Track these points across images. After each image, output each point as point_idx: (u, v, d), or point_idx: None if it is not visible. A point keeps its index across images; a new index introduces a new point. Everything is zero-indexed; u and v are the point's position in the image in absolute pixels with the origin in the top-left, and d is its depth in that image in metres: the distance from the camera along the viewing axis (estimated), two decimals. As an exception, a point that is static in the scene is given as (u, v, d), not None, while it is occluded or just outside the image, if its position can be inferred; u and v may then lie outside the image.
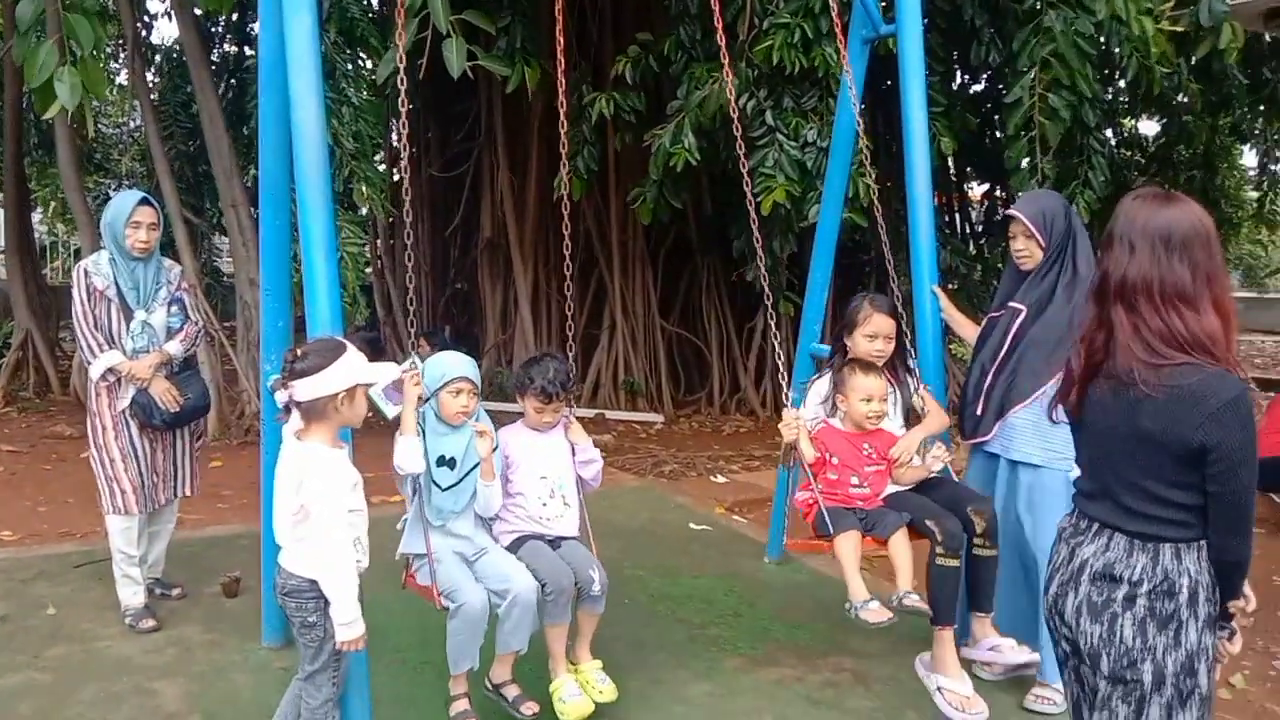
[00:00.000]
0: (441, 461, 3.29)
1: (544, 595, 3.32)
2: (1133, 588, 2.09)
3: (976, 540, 3.51)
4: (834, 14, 4.45)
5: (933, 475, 3.70)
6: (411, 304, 3.42)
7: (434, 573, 3.25)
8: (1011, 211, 3.77)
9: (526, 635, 3.34)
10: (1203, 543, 2.09)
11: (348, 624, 2.71)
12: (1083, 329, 2.21)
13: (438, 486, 3.29)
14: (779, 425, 3.65)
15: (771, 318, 3.82)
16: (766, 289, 3.97)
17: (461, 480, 3.33)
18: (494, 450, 3.38)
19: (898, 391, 3.75)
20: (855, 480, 3.59)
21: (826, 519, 3.47)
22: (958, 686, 3.48)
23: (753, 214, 3.98)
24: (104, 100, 4.84)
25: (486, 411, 3.51)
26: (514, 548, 3.45)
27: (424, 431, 3.22)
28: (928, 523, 3.48)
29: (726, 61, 4.20)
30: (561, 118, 3.95)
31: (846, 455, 3.59)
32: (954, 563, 3.44)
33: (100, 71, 4.97)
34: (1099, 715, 2.18)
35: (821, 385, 3.80)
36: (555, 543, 3.51)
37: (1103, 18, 6.17)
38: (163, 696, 3.55)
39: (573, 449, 3.62)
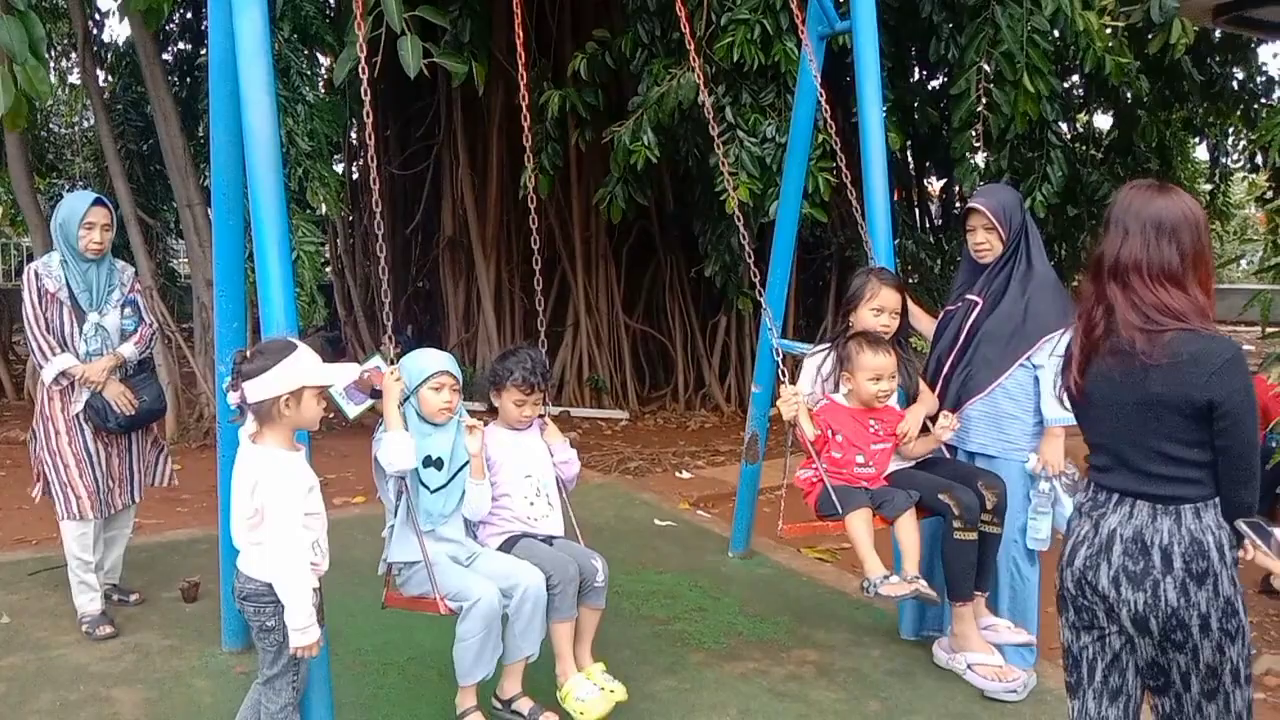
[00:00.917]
0: (428, 462, 3.16)
1: (550, 588, 3.19)
2: (1166, 554, 2.22)
3: (984, 516, 3.50)
4: (794, 9, 4.47)
5: (931, 454, 3.70)
6: (387, 296, 3.30)
7: (434, 578, 3.07)
8: (973, 203, 3.81)
9: (539, 637, 3.21)
10: (1217, 499, 2.25)
11: (302, 630, 2.67)
12: (1081, 306, 2.37)
13: (426, 488, 3.17)
14: (778, 403, 3.54)
15: (769, 316, 3.85)
16: (759, 295, 3.94)
17: (450, 481, 3.21)
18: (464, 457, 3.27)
19: (902, 370, 3.63)
20: (861, 459, 3.51)
21: (834, 498, 3.41)
22: (988, 659, 3.52)
23: (740, 213, 4.00)
24: (44, 101, 4.66)
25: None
26: (505, 548, 3.35)
27: (411, 429, 3.11)
28: (941, 497, 3.46)
29: (693, 50, 4.20)
30: (524, 113, 3.94)
31: (852, 432, 3.50)
32: (971, 536, 3.43)
33: (39, 73, 4.82)
34: (1157, 665, 2.32)
35: (820, 360, 3.70)
36: (546, 541, 3.43)
37: (1048, 13, 6.26)
38: (120, 704, 3.50)
39: (550, 450, 3.55)
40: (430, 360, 3.21)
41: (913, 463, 3.69)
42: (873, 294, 3.63)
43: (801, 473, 3.61)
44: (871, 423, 3.52)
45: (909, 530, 3.44)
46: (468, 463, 3.27)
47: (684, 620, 4.37)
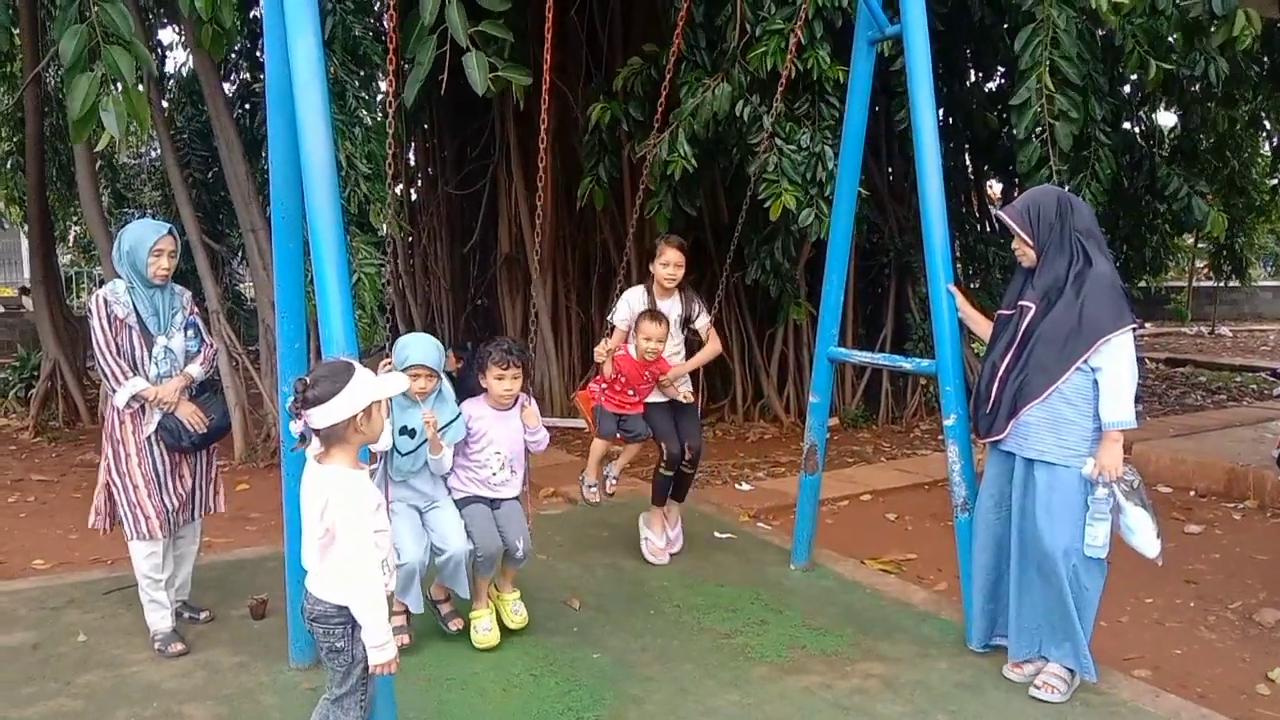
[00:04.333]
0: (404, 431, 3.94)
1: (475, 556, 4.07)
2: None
3: (684, 464, 5.18)
4: (798, 27, 4.50)
5: (682, 401, 5.19)
6: (388, 312, 3.46)
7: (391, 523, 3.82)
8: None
9: (463, 585, 4.09)
10: None
11: (380, 646, 2.69)
12: None
13: (398, 452, 3.95)
14: (595, 349, 5.11)
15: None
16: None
17: (418, 448, 4.01)
18: (439, 431, 3.98)
19: (683, 305, 5.20)
20: (632, 392, 5.03)
21: (599, 417, 5.04)
22: (656, 540, 5.30)
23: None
24: (146, 128, 4.91)
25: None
26: (461, 504, 4.18)
27: (393, 403, 3.77)
28: (660, 442, 5.10)
29: (673, 56, 4.30)
30: (542, 132, 4.07)
31: (632, 376, 5.00)
32: (668, 473, 5.16)
33: (144, 99, 5.03)
34: None
35: (633, 296, 5.14)
36: (497, 504, 4.23)
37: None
38: (192, 720, 3.57)
39: (525, 427, 4.28)
40: (412, 351, 3.94)
41: (668, 400, 5.16)
42: (661, 253, 5.09)
43: (594, 386, 5.13)
44: (646, 372, 5.00)
45: (633, 449, 5.29)
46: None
47: (746, 633, 4.34)
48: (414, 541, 3.98)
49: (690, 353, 5.32)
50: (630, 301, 5.13)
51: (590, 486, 5.23)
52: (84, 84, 4.85)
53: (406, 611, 4.12)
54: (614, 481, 5.37)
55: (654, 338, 4.90)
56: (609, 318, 5.21)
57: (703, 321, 5.26)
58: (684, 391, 5.21)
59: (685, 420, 5.24)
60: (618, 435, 5.10)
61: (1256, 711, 3.73)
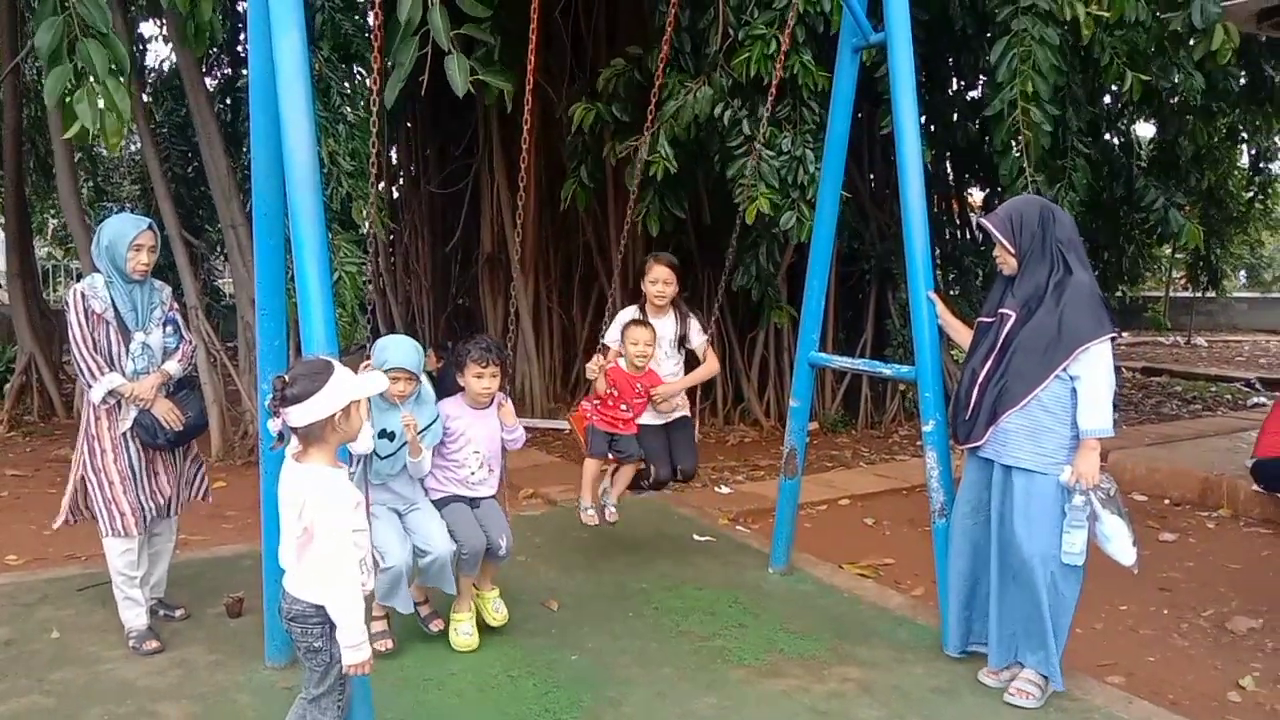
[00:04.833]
0: (383, 434, 3.91)
1: (460, 555, 4.06)
2: None
3: (674, 482, 5.13)
4: (785, 34, 4.52)
5: (676, 416, 5.12)
6: (368, 306, 3.46)
7: (371, 526, 3.68)
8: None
9: (449, 583, 4.09)
10: None
11: (355, 646, 2.68)
12: None
13: (377, 455, 3.91)
14: (587, 366, 4.87)
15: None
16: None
17: (398, 451, 3.98)
18: (419, 433, 3.97)
19: (678, 324, 5.11)
20: (624, 407, 4.89)
21: (591, 437, 4.93)
22: (611, 506, 5.09)
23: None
24: (125, 121, 4.80)
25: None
26: (440, 504, 4.18)
27: (371, 406, 3.63)
28: (651, 465, 5.02)
29: (662, 61, 4.29)
30: (524, 132, 4.08)
31: (624, 390, 4.89)
32: (651, 489, 5.14)
33: (123, 91, 4.96)
34: None
35: (630, 311, 5.10)
36: (475, 502, 4.24)
37: None
38: (166, 719, 3.54)
39: (501, 425, 4.30)
40: (391, 354, 3.90)
41: (664, 420, 5.08)
42: (650, 270, 5.03)
43: (585, 404, 5.05)
44: (638, 385, 4.91)
45: (626, 472, 5.05)
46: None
47: (724, 636, 4.35)
48: (399, 544, 3.95)
49: (689, 372, 5.22)
50: (621, 320, 5.07)
51: (587, 509, 4.98)
52: (55, 76, 4.81)
53: (388, 616, 4.14)
54: (614, 510, 5.07)
55: (641, 341, 4.84)
56: (602, 339, 5.12)
57: (700, 341, 5.15)
58: (676, 403, 5.11)
59: (680, 442, 5.11)
60: (609, 455, 4.98)
61: (1228, 719, 3.76)
